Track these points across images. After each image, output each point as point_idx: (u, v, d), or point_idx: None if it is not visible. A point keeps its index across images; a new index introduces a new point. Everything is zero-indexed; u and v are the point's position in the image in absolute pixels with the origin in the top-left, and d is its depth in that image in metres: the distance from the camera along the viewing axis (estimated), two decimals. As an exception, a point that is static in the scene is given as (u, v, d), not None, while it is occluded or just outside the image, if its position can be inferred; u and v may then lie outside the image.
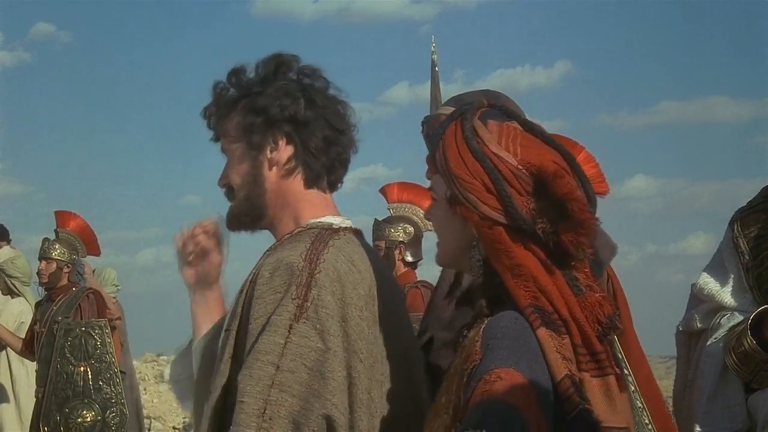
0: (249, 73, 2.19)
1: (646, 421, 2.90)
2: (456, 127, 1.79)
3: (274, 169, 2.15)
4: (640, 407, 2.92)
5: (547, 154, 1.76)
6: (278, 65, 2.17)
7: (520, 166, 1.72)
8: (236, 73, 2.19)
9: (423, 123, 2.57)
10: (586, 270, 1.75)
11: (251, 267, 2.17)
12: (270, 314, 1.96)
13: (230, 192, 2.21)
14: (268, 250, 2.14)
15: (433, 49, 4.96)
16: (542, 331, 1.65)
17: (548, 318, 1.67)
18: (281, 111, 2.12)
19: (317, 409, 1.90)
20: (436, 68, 4.90)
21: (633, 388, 2.85)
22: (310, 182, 2.16)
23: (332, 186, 2.22)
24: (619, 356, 2.75)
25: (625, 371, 2.80)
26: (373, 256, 2.16)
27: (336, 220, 2.16)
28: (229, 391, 2.01)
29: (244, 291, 2.07)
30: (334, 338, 1.95)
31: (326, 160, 2.16)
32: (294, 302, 1.95)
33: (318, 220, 2.14)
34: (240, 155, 2.17)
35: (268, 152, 2.14)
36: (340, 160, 2.19)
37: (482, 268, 1.75)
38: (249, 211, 2.19)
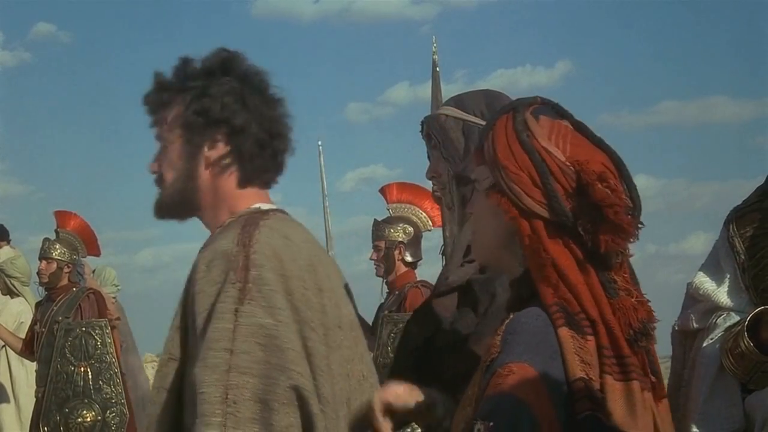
0: (194, 65, 2.18)
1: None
2: (507, 120, 1.78)
3: (210, 168, 2.15)
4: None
5: (597, 155, 1.74)
6: (223, 61, 2.17)
7: (568, 163, 1.71)
8: (181, 64, 2.18)
9: (422, 123, 2.57)
10: (625, 274, 1.73)
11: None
12: (213, 305, 1.94)
13: (160, 180, 2.20)
14: (202, 246, 2.12)
15: (434, 49, 4.97)
16: (564, 331, 1.64)
17: (572, 318, 1.65)
18: (221, 111, 2.12)
19: (283, 381, 1.88)
20: (437, 68, 4.90)
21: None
22: (243, 182, 2.17)
23: (266, 185, 2.22)
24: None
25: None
26: (306, 230, 2.17)
27: (265, 206, 2.16)
28: (179, 393, 1.99)
29: (183, 289, 2.05)
30: (282, 311, 1.93)
31: (260, 162, 2.16)
32: (235, 286, 1.93)
33: (249, 208, 2.15)
34: (177, 149, 2.16)
35: (206, 150, 2.14)
36: (275, 163, 2.20)
37: (522, 264, 1.74)
38: (179, 204, 2.19)
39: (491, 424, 1.54)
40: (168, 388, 2.01)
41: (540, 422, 1.56)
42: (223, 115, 2.12)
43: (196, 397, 1.87)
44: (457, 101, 2.52)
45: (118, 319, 6.75)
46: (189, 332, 2.01)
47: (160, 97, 2.18)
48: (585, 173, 1.69)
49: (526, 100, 1.83)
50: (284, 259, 1.99)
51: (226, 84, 2.14)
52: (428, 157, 2.54)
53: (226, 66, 2.16)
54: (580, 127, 1.79)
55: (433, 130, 2.49)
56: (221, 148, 2.14)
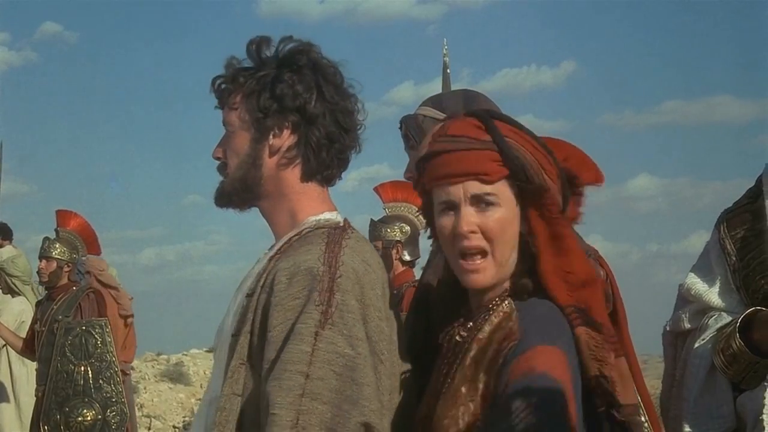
0: (268, 49, 2.15)
1: (643, 420, 2.90)
2: (503, 125, 1.89)
3: (275, 156, 2.12)
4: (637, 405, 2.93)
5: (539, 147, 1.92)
6: (299, 51, 2.14)
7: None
8: (256, 47, 2.15)
9: (401, 123, 2.57)
10: None
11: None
12: (292, 321, 1.91)
13: (223, 167, 2.17)
14: (276, 254, 2.08)
15: (444, 51, 4.97)
16: (581, 330, 1.77)
17: (587, 316, 1.78)
18: (293, 100, 2.09)
19: (355, 416, 1.86)
20: (448, 70, 4.90)
21: (632, 386, 2.86)
22: (307, 175, 2.13)
23: (328, 181, 2.18)
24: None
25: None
26: (374, 250, 2.15)
27: (333, 216, 2.13)
28: (245, 398, 1.97)
29: (256, 296, 2.02)
30: (361, 342, 1.92)
31: (326, 156, 2.12)
32: (318, 309, 1.90)
33: (317, 217, 2.11)
34: (243, 134, 2.13)
35: (271, 138, 2.11)
36: (340, 158, 2.15)
37: (519, 266, 1.85)
38: (242, 193, 2.15)
39: (533, 401, 1.61)
40: (240, 393, 1.98)
41: (570, 399, 1.66)
42: (296, 104, 2.09)
43: (267, 416, 1.85)
44: (435, 101, 2.53)
45: (131, 316, 6.78)
46: (256, 338, 1.98)
47: (234, 79, 2.13)
48: (555, 158, 1.87)
49: (484, 110, 1.97)
50: (365, 285, 1.97)
51: (299, 72, 2.10)
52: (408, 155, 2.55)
53: (299, 55, 2.13)
54: (519, 126, 1.92)
55: (411, 130, 2.50)
56: (286, 137, 2.11)
